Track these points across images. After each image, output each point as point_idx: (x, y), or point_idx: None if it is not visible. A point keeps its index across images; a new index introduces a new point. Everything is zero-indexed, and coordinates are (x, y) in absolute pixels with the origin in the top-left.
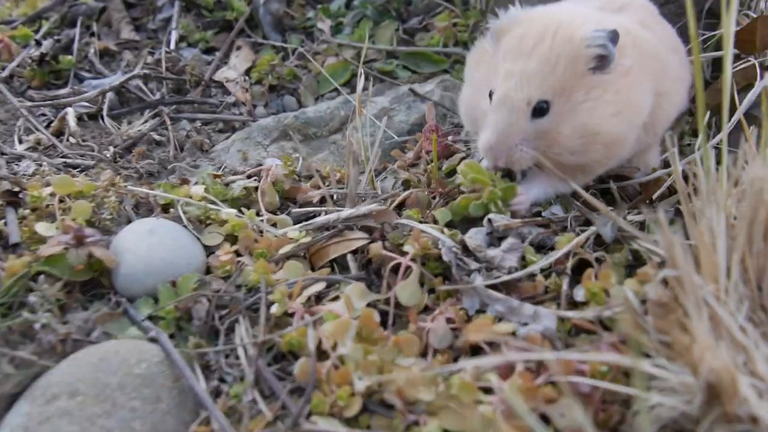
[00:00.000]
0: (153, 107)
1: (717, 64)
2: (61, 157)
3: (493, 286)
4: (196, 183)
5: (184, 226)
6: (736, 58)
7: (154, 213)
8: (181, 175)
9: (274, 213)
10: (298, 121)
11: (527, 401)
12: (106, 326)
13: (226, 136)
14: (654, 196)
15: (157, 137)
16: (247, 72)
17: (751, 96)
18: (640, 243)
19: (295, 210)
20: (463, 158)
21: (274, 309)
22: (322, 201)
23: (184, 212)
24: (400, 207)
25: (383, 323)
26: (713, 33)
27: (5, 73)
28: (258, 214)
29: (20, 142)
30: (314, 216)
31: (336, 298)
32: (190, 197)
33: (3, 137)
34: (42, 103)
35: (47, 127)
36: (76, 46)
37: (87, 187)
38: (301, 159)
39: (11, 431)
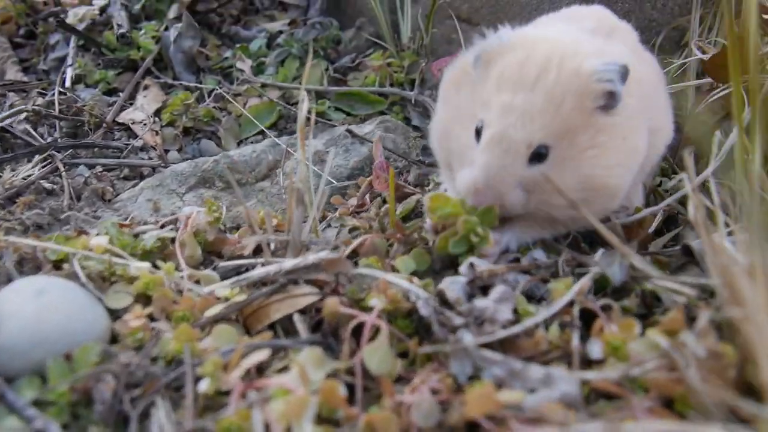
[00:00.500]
0: (43, 152)
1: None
2: None
3: (487, 345)
4: (97, 234)
5: (83, 285)
6: (711, 87)
7: (43, 270)
8: (77, 227)
9: (196, 269)
10: (219, 166)
11: None
12: None
13: (133, 183)
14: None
15: (47, 185)
16: (157, 113)
17: (729, 142)
18: (657, 283)
19: (223, 264)
20: (419, 200)
21: (204, 386)
22: (257, 252)
23: (83, 267)
24: (353, 257)
25: (350, 398)
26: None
27: None
28: (177, 269)
29: None
30: (247, 270)
31: (284, 369)
32: (90, 250)
33: None
34: None
35: None
36: None
37: None
38: (224, 209)
39: None
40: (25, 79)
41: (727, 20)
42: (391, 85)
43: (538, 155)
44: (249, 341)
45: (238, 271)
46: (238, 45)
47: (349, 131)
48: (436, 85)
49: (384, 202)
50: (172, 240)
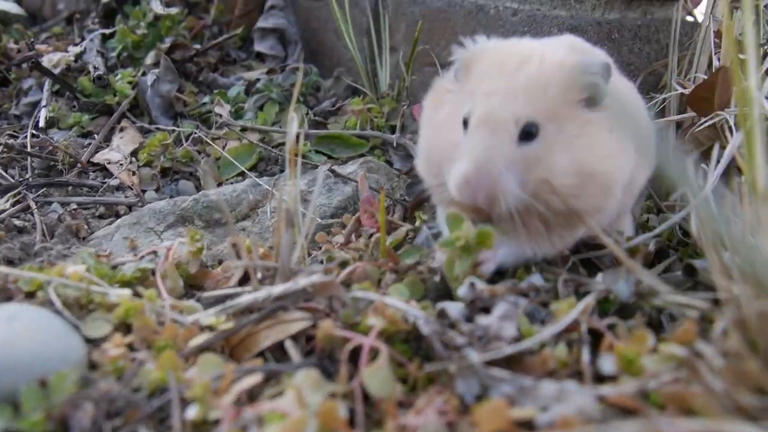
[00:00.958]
0: (13, 189)
1: (677, 127)
2: None
3: (493, 363)
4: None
5: (58, 312)
6: (693, 121)
7: (15, 300)
8: (50, 261)
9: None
10: (198, 205)
11: None
12: None
13: (109, 221)
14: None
15: (18, 223)
16: (134, 155)
17: (722, 165)
18: (667, 299)
19: (208, 294)
20: (410, 230)
21: (192, 412)
22: (242, 282)
23: (58, 295)
24: (345, 285)
25: (350, 423)
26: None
27: None
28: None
29: None
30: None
31: (278, 396)
32: (66, 278)
33: None
34: None
35: None
36: None
37: None
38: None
39: None
40: None
41: None
42: (372, 129)
43: (528, 134)
44: (239, 366)
45: (223, 301)
46: (216, 91)
47: (332, 171)
48: (416, 131)
49: (371, 237)
50: (152, 272)
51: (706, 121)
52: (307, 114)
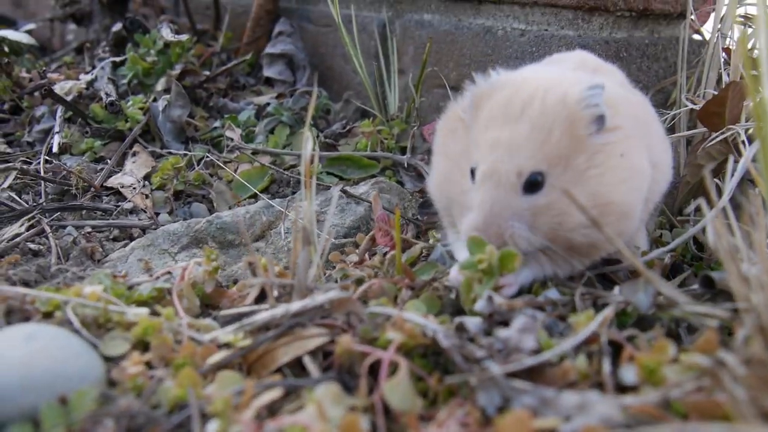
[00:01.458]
0: (27, 213)
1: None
2: None
3: (514, 375)
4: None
5: (76, 331)
6: (704, 137)
7: (33, 320)
8: (66, 283)
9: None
10: (212, 227)
11: None
12: None
13: (123, 244)
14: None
15: (33, 246)
16: (146, 178)
17: (736, 177)
18: (687, 309)
19: (224, 312)
20: (424, 248)
21: (212, 428)
22: (258, 301)
23: (76, 315)
24: (361, 301)
25: None
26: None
27: None
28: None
29: None
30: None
31: (299, 411)
32: (84, 298)
33: None
34: None
35: None
36: None
37: None
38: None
39: None
40: (9, 150)
41: None
42: (382, 151)
43: (533, 183)
44: (259, 381)
45: (239, 320)
46: (226, 116)
47: (344, 191)
48: (427, 150)
49: (385, 255)
50: (168, 291)
51: (717, 136)
52: (317, 137)
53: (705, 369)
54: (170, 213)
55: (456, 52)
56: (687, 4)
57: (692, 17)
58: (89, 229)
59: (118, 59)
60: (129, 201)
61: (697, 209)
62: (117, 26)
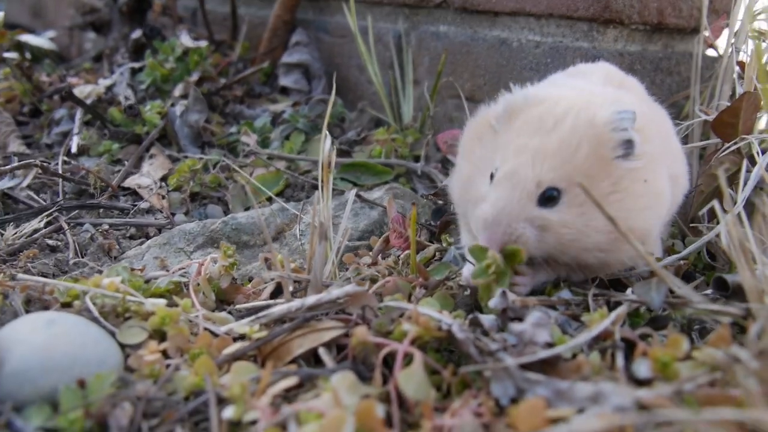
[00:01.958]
0: (46, 211)
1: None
2: None
3: (527, 368)
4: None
5: (95, 319)
6: (717, 147)
7: (52, 309)
8: (83, 276)
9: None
10: (227, 227)
11: None
12: None
13: (140, 242)
14: None
15: (51, 242)
16: (163, 180)
17: (750, 185)
18: (699, 307)
19: (240, 306)
20: (437, 250)
21: (228, 413)
22: (273, 295)
23: (95, 304)
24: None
25: (386, 425)
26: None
27: None
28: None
29: None
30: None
31: (314, 399)
32: (102, 288)
33: None
34: None
35: None
36: None
37: None
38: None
39: None
40: (28, 151)
41: None
42: (397, 158)
43: (549, 198)
44: (275, 369)
45: (256, 312)
46: (242, 122)
47: (358, 196)
48: (441, 159)
49: (399, 257)
50: (185, 285)
51: (730, 146)
52: (332, 144)
53: (718, 363)
54: (186, 213)
55: (471, 63)
56: (701, 19)
57: (706, 32)
58: (106, 227)
59: (136, 65)
60: (146, 201)
61: (710, 218)
62: (136, 33)
